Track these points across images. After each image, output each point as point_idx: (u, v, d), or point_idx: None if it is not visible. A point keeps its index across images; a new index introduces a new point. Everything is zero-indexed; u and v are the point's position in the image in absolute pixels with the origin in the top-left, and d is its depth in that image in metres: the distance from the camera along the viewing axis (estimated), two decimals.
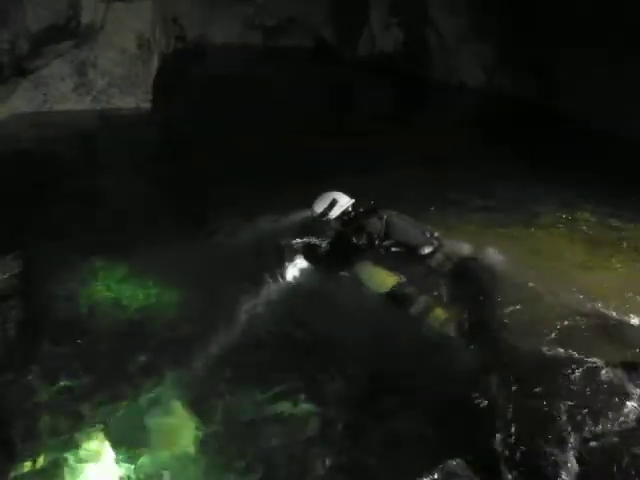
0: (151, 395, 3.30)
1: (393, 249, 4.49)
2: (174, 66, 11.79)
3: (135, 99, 8.63)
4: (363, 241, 4.46)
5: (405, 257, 4.48)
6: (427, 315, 4.05)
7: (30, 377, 3.44)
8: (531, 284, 4.29)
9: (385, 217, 4.53)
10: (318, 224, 4.86)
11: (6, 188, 5.90)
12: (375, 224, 4.50)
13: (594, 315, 4.04)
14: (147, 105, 8.74)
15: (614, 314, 4.04)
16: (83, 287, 4.37)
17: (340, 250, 4.62)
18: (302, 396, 3.35)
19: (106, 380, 3.43)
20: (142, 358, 3.62)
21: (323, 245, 4.83)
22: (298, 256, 4.75)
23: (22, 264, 4.54)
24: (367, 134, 8.21)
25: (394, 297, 4.22)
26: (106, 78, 8.35)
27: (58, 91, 8.02)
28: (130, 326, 3.97)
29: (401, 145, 7.62)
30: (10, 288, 4.31)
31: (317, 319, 4.08)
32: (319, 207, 4.72)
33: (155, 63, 9.70)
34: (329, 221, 4.70)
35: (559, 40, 9.27)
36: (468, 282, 4.37)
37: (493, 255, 4.63)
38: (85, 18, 7.38)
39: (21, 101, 7.74)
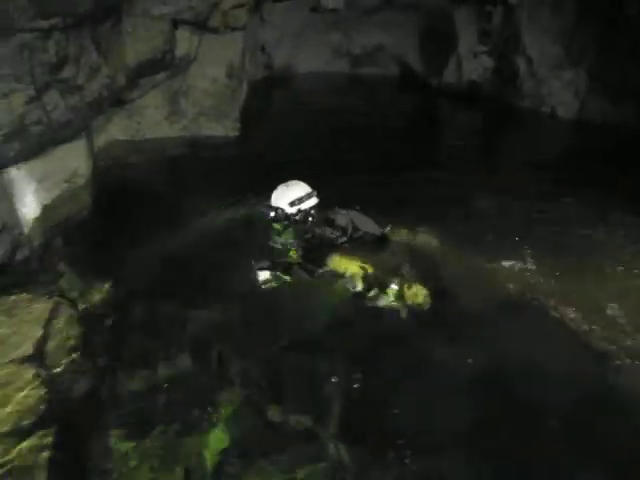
0: None
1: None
2: (262, 94, 12.06)
3: (223, 127, 8.80)
4: (337, 234, 4.78)
5: (368, 246, 4.84)
6: (401, 295, 4.39)
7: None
8: None
9: (346, 212, 4.91)
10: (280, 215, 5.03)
11: (102, 214, 6.17)
12: (343, 217, 4.84)
13: None
14: (235, 133, 8.90)
15: None
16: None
17: (313, 246, 4.82)
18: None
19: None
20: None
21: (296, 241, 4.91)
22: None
23: (115, 290, 4.69)
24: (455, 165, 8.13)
25: (369, 283, 4.49)
26: (196, 107, 8.58)
27: (151, 120, 8.30)
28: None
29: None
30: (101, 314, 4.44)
31: (302, 314, 4.40)
32: (292, 194, 4.93)
33: (243, 92, 9.90)
34: (299, 212, 4.92)
35: None
36: (426, 262, 4.90)
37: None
38: (179, 51, 7.62)
39: (117, 129, 8.05)
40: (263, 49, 12.98)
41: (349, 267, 4.57)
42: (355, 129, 9.80)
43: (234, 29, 8.30)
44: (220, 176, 7.37)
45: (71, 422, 3.40)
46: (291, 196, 4.93)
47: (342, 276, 4.55)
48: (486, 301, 4.64)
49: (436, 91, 12.97)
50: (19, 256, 4.65)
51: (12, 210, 4.71)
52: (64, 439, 3.22)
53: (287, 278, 4.61)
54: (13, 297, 4.24)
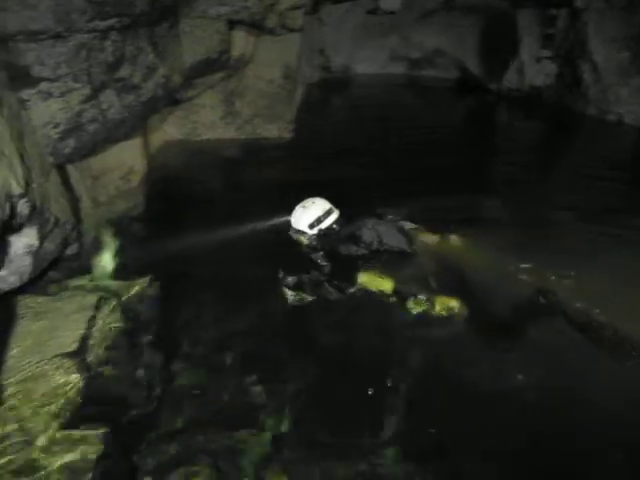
0: None
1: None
2: (318, 96, 12.04)
3: (277, 129, 8.81)
4: (363, 251, 4.76)
5: (394, 259, 4.82)
6: (432, 307, 4.36)
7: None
8: None
9: (371, 225, 4.85)
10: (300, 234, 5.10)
11: (154, 212, 6.28)
12: (369, 233, 4.79)
13: None
14: (289, 135, 8.88)
15: None
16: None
17: (339, 264, 4.80)
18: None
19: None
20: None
21: (320, 261, 4.87)
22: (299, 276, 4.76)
23: (160, 286, 4.76)
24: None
25: (398, 298, 4.48)
26: (251, 108, 8.61)
27: (206, 120, 8.40)
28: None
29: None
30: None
31: (334, 334, 4.33)
32: (310, 215, 4.95)
33: (299, 93, 9.88)
34: (320, 231, 4.94)
35: None
36: (452, 272, 4.84)
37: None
38: (236, 52, 7.66)
39: (172, 128, 8.18)
40: (322, 51, 12.97)
41: (380, 283, 4.55)
42: (407, 130, 9.68)
43: (291, 30, 8.27)
44: (271, 178, 7.38)
45: (114, 415, 3.45)
46: (309, 218, 5.01)
47: (373, 294, 4.54)
48: (521, 311, 4.57)
49: (496, 96, 12.66)
50: (69, 251, 4.74)
51: (66, 206, 4.81)
52: (108, 433, 3.27)
53: (310, 298, 4.61)
54: (60, 291, 4.34)
